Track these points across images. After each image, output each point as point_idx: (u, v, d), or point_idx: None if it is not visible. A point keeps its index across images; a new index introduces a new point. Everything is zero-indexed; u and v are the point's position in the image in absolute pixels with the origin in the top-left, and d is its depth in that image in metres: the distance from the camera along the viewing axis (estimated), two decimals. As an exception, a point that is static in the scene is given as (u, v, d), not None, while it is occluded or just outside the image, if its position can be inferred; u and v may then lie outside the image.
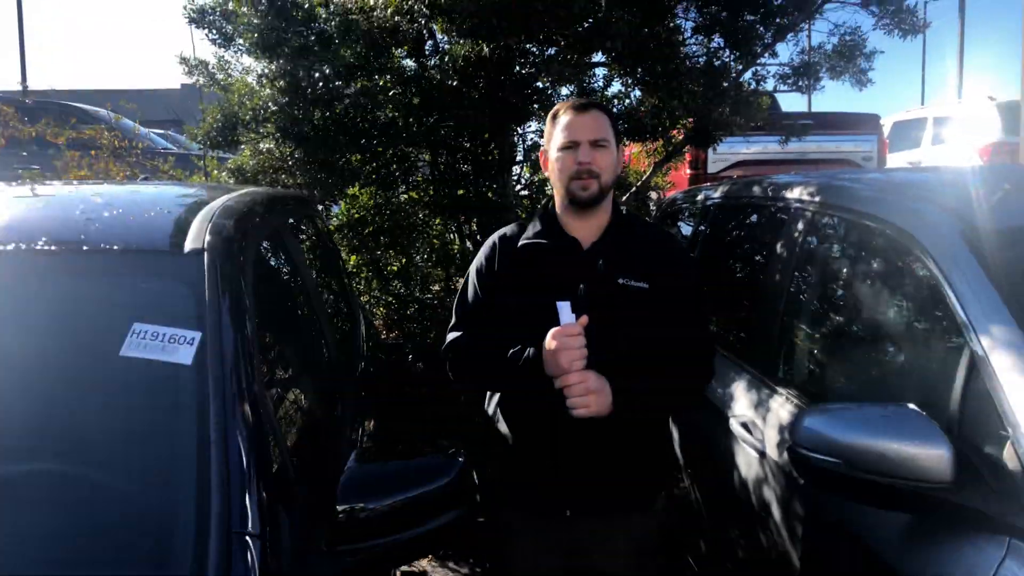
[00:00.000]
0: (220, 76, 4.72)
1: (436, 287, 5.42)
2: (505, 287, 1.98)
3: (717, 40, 4.29)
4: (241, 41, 3.95)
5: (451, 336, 2.04)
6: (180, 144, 10.11)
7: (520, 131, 4.91)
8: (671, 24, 4.06)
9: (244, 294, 1.53)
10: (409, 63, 4.18)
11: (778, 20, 4.27)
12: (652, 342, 1.90)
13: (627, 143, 4.72)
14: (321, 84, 3.76)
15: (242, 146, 4.64)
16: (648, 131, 4.21)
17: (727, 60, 4.26)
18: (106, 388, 1.30)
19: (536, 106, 4.23)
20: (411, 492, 1.41)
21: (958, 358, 1.63)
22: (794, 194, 2.60)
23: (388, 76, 3.83)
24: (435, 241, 5.36)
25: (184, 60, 4.73)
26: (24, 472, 1.20)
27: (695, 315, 2.01)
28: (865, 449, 1.50)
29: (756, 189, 2.98)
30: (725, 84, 4.03)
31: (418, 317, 5.13)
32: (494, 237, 2.09)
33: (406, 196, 4.80)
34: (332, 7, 3.82)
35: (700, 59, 4.18)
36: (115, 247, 1.51)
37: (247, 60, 4.74)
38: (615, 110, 4.55)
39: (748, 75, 4.45)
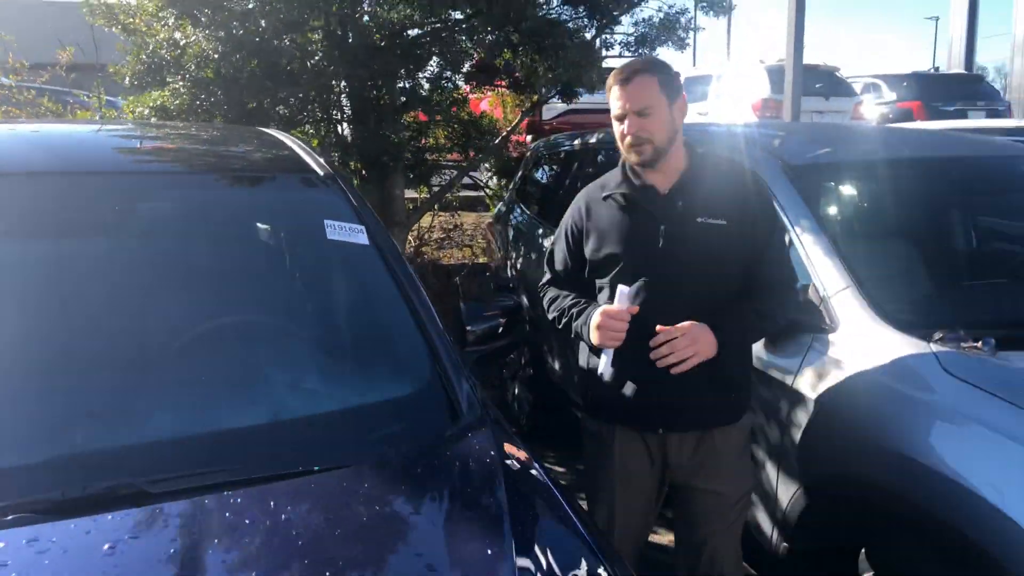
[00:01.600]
0: (123, 20, 5.01)
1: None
2: (595, 235, 2.15)
3: (580, 10, 5.28)
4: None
5: (543, 280, 2.37)
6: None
7: (410, 81, 5.66)
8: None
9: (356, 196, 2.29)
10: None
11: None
12: (736, 276, 2.10)
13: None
14: (257, 39, 4.28)
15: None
16: (524, 87, 5.14)
17: (585, 26, 5.28)
18: (330, 260, 2.04)
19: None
20: (491, 323, 2.28)
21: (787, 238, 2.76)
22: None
23: (319, 33, 4.43)
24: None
25: (88, 3, 4.96)
26: (294, 324, 1.91)
27: (772, 247, 2.17)
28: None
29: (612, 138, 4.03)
30: (591, 50, 5.04)
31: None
32: (583, 192, 2.28)
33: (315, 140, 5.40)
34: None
35: (567, 25, 5.14)
36: (288, 172, 2.21)
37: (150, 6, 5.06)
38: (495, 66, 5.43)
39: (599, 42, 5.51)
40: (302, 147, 2.48)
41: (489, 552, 1.23)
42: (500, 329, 2.31)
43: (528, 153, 5.46)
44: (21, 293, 1.66)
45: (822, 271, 2.52)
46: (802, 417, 2.39)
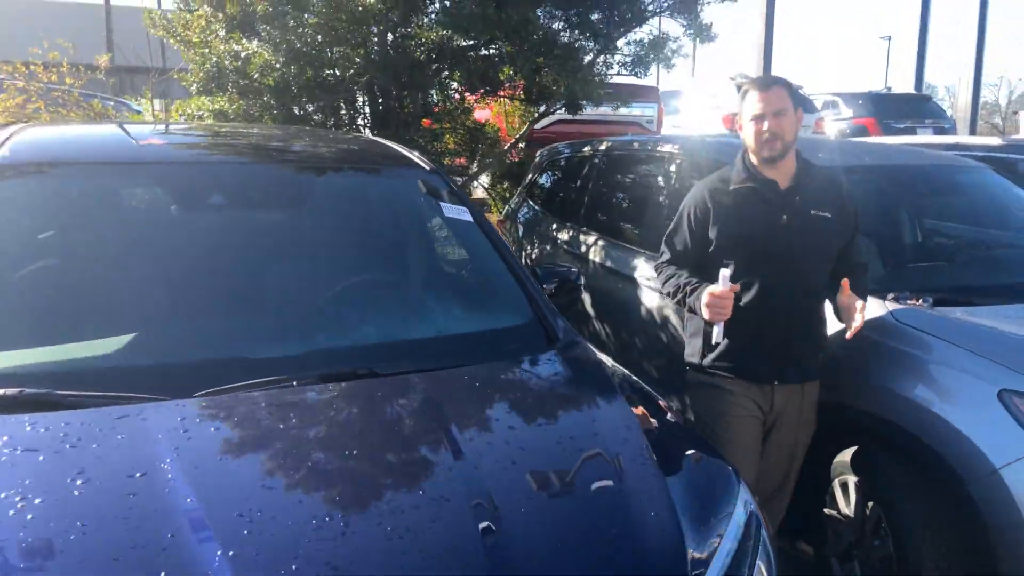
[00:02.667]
0: (182, 32, 5.60)
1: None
2: (724, 222, 2.52)
3: (579, 33, 6.00)
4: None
5: (660, 258, 2.76)
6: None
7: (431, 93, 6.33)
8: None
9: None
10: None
11: (619, 20, 6.09)
12: (834, 258, 2.57)
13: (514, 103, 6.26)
14: (314, 51, 4.93)
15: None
16: (536, 99, 5.85)
17: (588, 48, 6.00)
18: (448, 232, 2.70)
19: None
20: (559, 279, 2.92)
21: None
22: (665, 148, 4.41)
23: (363, 48, 5.09)
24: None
25: (151, 16, 5.56)
26: (434, 275, 2.57)
27: (857, 238, 2.66)
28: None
29: (636, 146, 4.77)
30: (591, 69, 5.77)
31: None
32: (702, 185, 2.66)
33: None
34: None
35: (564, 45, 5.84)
36: (405, 166, 2.87)
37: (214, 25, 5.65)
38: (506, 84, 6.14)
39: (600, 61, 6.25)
40: (401, 147, 3.14)
41: (618, 411, 1.92)
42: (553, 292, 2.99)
43: (536, 159, 6.17)
44: (246, 251, 2.32)
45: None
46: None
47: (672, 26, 6.26)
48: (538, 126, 10.02)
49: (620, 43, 6.01)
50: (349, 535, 1.32)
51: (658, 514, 1.50)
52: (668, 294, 2.70)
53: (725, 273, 2.38)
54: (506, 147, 6.71)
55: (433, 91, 6.32)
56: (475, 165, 6.88)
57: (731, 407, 2.63)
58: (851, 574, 2.91)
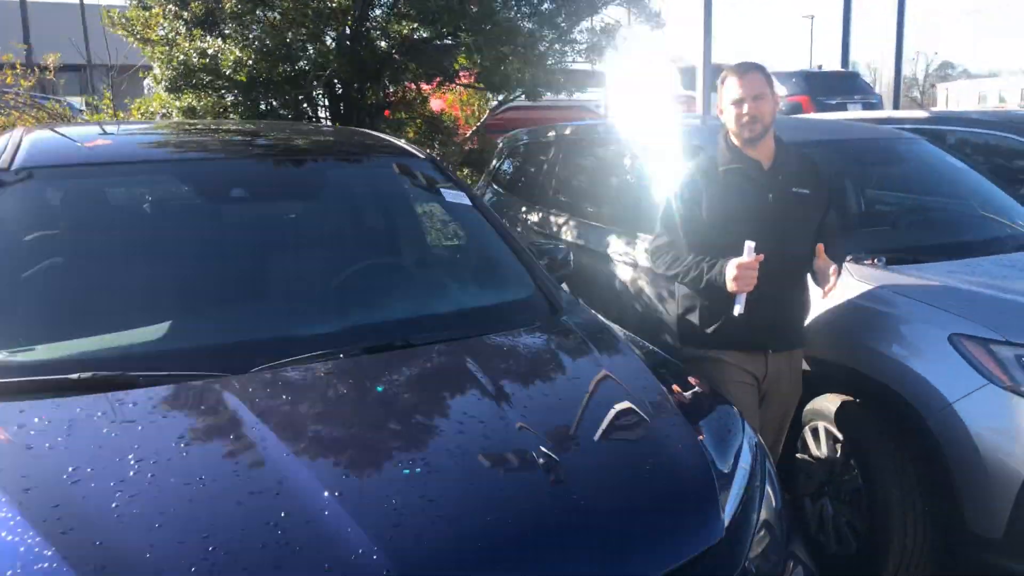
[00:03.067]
0: (141, 31, 5.62)
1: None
2: (715, 202, 2.65)
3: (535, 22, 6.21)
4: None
5: (658, 242, 2.82)
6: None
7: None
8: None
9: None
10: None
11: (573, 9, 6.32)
12: (815, 230, 2.74)
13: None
14: (282, 48, 5.03)
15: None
16: (498, 87, 6.05)
17: (545, 36, 6.22)
18: (449, 215, 2.89)
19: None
20: (548, 257, 3.13)
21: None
22: (623, 134, 4.67)
23: (332, 43, 5.21)
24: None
25: (109, 15, 5.56)
26: (445, 254, 2.77)
27: (831, 208, 2.86)
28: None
29: (600, 129, 5.01)
30: (549, 58, 6.00)
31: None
32: (691, 169, 2.79)
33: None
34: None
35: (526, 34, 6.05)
36: (401, 156, 3.04)
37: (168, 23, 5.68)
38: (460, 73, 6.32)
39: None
40: (394, 138, 3.32)
41: (635, 365, 2.16)
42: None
43: (499, 146, 6.37)
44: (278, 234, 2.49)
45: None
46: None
47: (622, 14, 6.51)
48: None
49: (574, 31, 6.24)
50: (432, 473, 1.53)
51: (685, 444, 1.75)
52: (675, 275, 2.76)
53: (750, 245, 2.48)
54: (466, 135, 6.89)
55: (390, 83, 6.47)
56: (435, 154, 7.05)
57: (729, 378, 2.76)
58: (822, 511, 3.23)
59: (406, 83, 6.53)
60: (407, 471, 1.52)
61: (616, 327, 2.50)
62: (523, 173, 5.91)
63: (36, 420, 1.66)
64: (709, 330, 2.78)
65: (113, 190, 2.46)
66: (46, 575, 1.22)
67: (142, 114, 5.85)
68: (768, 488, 1.85)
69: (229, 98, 5.40)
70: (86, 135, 2.75)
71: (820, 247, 2.68)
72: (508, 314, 2.43)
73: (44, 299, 2.11)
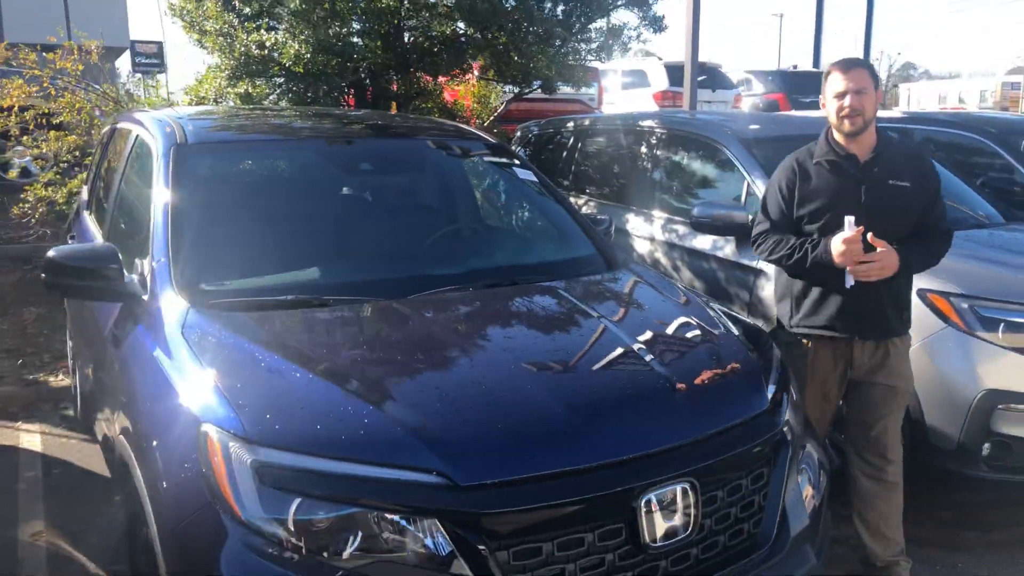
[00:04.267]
0: (199, 22, 6.19)
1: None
2: (806, 192, 2.74)
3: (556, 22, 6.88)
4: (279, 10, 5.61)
5: (759, 228, 2.89)
6: None
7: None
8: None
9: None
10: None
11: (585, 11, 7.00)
12: (913, 224, 2.71)
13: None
14: (339, 42, 5.64)
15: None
16: (517, 82, 6.71)
17: (561, 35, 6.89)
18: (520, 189, 3.56)
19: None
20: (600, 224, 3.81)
21: (738, 191, 4.49)
22: (646, 123, 5.37)
23: (381, 40, 5.84)
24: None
25: (172, 6, 6.12)
26: (527, 218, 3.46)
27: (938, 204, 2.79)
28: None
29: (619, 121, 5.70)
30: (569, 55, 6.67)
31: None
32: (790, 160, 2.86)
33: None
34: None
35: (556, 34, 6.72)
36: (478, 140, 3.70)
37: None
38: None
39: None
40: (467, 127, 3.99)
41: (693, 304, 2.84)
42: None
43: (518, 134, 7.04)
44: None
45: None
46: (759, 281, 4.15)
47: (630, 17, 7.20)
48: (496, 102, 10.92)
49: (589, 30, 6.92)
50: (569, 370, 2.22)
51: (739, 346, 2.46)
52: (780, 256, 2.82)
53: (850, 219, 2.58)
54: (485, 123, 7.55)
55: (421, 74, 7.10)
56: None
57: (813, 363, 2.87)
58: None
59: (424, 75, 7.16)
60: (557, 364, 2.23)
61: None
62: (543, 158, 6.59)
63: (281, 322, 2.34)
64: (803, 311, 2.86)
65: (264, 161, 3.10)
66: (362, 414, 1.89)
67: (192, 98, 6.40)
68: (793, 390, 2.55)
69: (280, 86, 5.99)
70: (230, 118, 3.38)
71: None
72: (579, 265, 3.10)
73: (255, 244, 2.77)
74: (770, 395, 2.33)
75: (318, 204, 3.00)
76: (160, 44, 17.67)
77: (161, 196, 2.78)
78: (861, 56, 18.87)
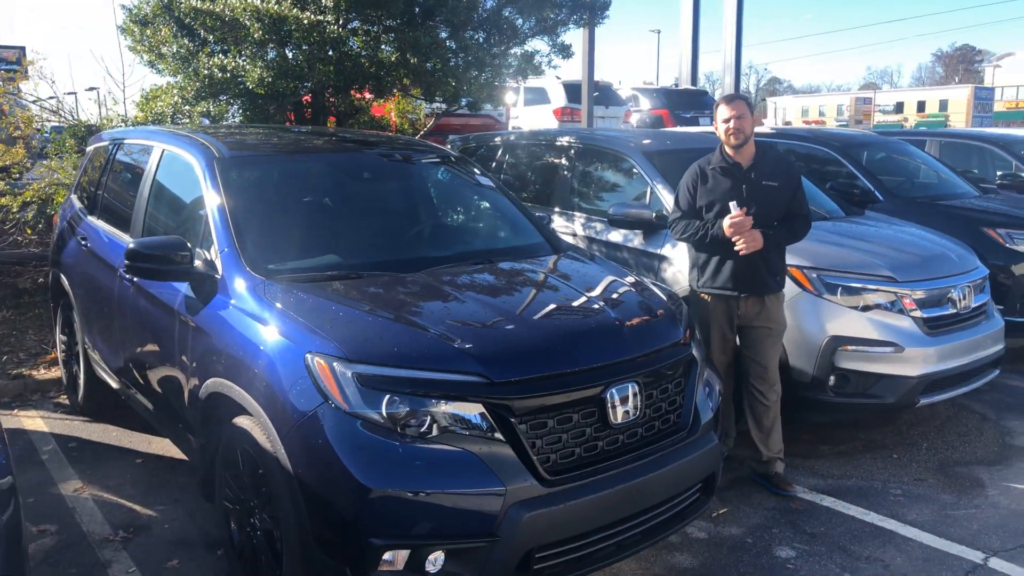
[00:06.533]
0: (155, 46, 6.79)
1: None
2: (705, 190, 3.89)
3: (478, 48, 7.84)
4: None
5: (673, 216, 4.07)
6: None
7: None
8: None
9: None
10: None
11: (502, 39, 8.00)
12: (780, 214, 3.89)
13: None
14: (296, 67, 6.39)
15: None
16: (444, 99, 7.64)
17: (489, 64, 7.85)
18: (478, 191, 4.51)
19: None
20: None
21: (642, 193, 5.58)
22: (564, 139, 6.41)
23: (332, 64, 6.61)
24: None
25: (127, 30, 6.71)
26: (487, 214, 4.41)
27: (798, 196, 3.97)
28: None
29: (540, 137, 6.73)
30: (494, 78, 7.65)
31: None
32: (694, 166, 4.01)
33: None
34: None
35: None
36: (443, 154, 4.62)
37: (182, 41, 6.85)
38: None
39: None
40: (439, 145, 4.90)
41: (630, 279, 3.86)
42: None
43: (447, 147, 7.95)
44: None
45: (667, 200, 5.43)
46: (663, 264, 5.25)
47: (542, 45, 8.25)
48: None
49: (508, 56, 7.93)
50: (555, 311, 3.18)
51: (661, 295, 3.52)
52: (689, 235, 4.01)
53: (734, 204, 3.77)
54: (416, 136, 8.43)
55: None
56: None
57: (713, 313, 4.05)
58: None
59: (354, 92, 7.96)
60: (552, 307, 3.20)
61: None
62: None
63: (338, 287, 3.20)
64: (704, 276, 4.05)
65: (283, 171, 3.95)
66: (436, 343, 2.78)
67: (148, 115, 6.97)
68: (697, 331, 3.61)
69: (236, 105, 6.68)
70: (241, 136, 4.19)
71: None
72: (534, 249, 4.05)
73: (295, 234, 3.61)
74: (683, 330, 3.37)
75: (335, 203, 3.88)
76: (22, 49, 17.43)
77: (213, 199, 3.56)
78: (735, 71, 20.84)
